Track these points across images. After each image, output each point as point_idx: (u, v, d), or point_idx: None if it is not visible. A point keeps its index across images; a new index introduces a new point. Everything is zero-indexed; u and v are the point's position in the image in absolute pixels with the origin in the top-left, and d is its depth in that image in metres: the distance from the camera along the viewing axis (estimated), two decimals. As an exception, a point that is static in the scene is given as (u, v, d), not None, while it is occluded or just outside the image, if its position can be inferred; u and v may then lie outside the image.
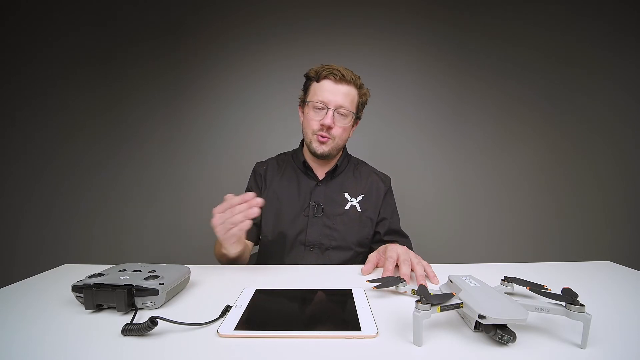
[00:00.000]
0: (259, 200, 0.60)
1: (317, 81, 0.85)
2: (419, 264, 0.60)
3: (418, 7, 1.67)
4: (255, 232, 0.91)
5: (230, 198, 0.60)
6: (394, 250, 0.63)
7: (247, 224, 0.59)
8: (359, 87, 0.87)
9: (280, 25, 1.67)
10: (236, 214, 0.59)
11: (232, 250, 0.69)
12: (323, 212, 0.87)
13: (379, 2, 1.67)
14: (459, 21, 1.68)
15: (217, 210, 0.61)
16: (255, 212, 0.59)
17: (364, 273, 0.63)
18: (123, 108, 1.70)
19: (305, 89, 0.90)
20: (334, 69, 0.83)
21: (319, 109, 0.84)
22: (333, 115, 0.82)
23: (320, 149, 0.85)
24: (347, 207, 0.89)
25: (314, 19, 1.67)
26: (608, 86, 1.68)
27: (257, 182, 0.96)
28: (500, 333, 0.34)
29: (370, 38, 1.68)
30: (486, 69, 1.69)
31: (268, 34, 1.68)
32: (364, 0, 1.66)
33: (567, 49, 1.68)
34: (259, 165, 1.00)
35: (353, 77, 0.85)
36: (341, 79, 0.82)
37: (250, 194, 0.60)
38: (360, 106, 0.90)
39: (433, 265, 0.62)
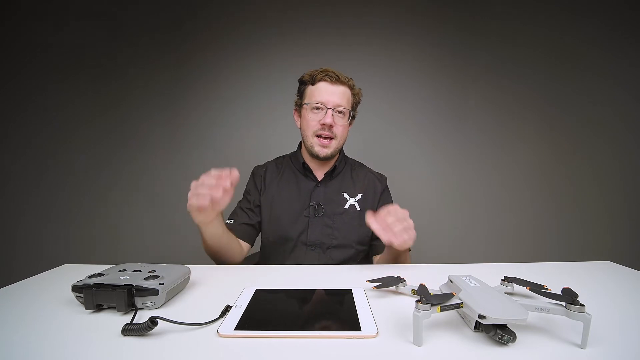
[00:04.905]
0: (236, 173, 0.61)
1: (313, 84, 0.87)
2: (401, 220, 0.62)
3: (419, 7, 1.67)
4: (250, 233, 0.91)
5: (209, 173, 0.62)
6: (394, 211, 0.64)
7: (219, 194, 0.59)
8: (352, 87, 0.90)
9: (281, 25, 1.67)
10: (210, 182, 0.60)
11: (203, 225, 0.68)
12: (323, 212, 0.88)
13: (379, 2, 1.67)
14: (459, 21, 1.68)
15: (194, 182, 0.62)
16: (227, 185, 0.60)
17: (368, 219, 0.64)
18: (123, 108, 1.70)
19: (301, 93, 0.92)
20: (329, 71, 0.86)
21: (317, 109, 0.86)
22: (332, 115, 0.84)
23: (323, 152, 0.87)
24: (346, 207, 0.90)
25: (314, 19, 1.67)
26: (608, 86, 1.68)
27: (257, 184, 0.96)
28: (500, 333, 0.34)
29: (370, 38, 1.68)
30: (486, 69, 1.69)
31: (268, 34, 1.68)
32: (364, 0, 1.66)
33: (567, 49, 1.68)
34: (258, 168, 1.00)
35: (346, 79, 0.88)
36: (337, 80, 0.85)
37: (228, 169, 0.62)
38: (355, 105, 0.93)
39: (433, 265, 0.62)
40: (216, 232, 0.72)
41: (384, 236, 0.62)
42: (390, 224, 0.62)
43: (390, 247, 0.70)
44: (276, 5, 1.66)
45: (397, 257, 0.75)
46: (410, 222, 0.64)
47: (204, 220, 0.68)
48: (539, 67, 1.69)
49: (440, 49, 1.69)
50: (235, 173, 0.61)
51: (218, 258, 0.80)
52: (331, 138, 0.87)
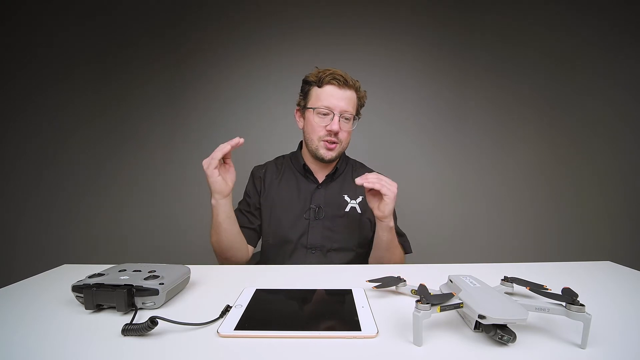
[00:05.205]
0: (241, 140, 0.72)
1: (319, 86, 0.84)
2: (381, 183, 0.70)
3: (419, 7, 1.67)
4: (252, 236, 0.91)
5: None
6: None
7: (226, 147, 0.72)
8: (358, 90, 0.88)
9: (281, 25, 1.67)
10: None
11: (221, 197, 0.73)
12: (324, 214, 0.87)
13: (379, 2, 1.66)
14: (459, 21, 1.68)
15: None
16: (234, 142, 0.73)
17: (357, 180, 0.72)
18: (123, 108, 1.70)
19: (305, 94, 0.88)
20: (337, 74, 0.83)
21: (324, 114, 0.84)
22: (339, 121, 0.83)
23: (329, 155, 0.86)
24: (347, 209, 0.89)
25: (314, 19, 1.67)
26: (608, 86, 1.68)
27: (257, 186, 0.94)
28: (500, 333, 0.34)
29: (370, 38, 1.68)
30: (486, 69, 1.69)
31: (268, 34, 1.68)
32: (364, 0, 1.66)
33: (568, 49, 1.68)
34: (257, 169, 0.99)
35: (353, 81, 0.85)
36: (344, 83, 0.83)
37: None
38: (359, 108, 0.91)
39: (433, 265, 0.62)
40: (230, 212, 0.76)
41: (357, 181, 0.71)
42: (369, 177, 0.70)
43: (377, 223, 0.77)
44: (276, 5, 1.66)
45: (388, 243, 0.79)
46: (393, 186, 0.71)
47: (223, 189, 0.72)
48: (538, 67, 1.69)
49: (440, 49, 1.69)
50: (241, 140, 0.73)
51: (227, 251, 0.79)
52: (336, 143, 0.86)
